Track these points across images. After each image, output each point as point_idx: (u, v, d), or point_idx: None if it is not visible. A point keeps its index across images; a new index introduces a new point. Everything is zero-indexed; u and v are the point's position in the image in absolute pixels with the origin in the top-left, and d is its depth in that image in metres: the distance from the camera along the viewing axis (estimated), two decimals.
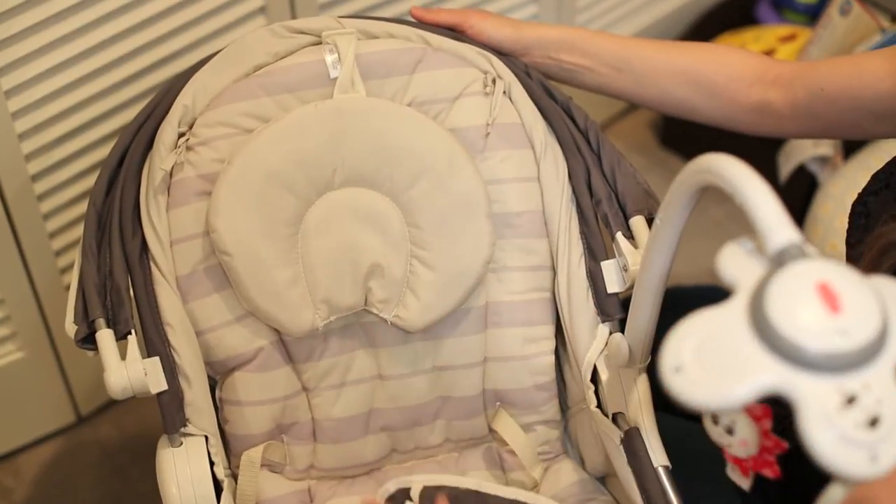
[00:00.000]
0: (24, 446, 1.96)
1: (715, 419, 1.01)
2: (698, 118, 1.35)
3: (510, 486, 1.39)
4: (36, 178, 1.62)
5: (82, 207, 1.70)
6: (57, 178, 1.64)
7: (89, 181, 1.68)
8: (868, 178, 1.19)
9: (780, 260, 0.78)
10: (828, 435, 0.72)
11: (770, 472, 0.96)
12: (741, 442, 1.00)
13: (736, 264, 0.80)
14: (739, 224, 1.71)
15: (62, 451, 1.97)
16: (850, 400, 0.72)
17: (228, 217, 1.23)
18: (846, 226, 1.20)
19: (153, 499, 1.89)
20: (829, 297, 0.74)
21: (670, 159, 2.46)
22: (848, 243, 1.20)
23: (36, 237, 1.68)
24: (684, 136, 2.29)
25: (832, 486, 0.76)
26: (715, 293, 1.61)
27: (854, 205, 1.19)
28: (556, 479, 1.37)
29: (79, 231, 1.72)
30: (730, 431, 1.00)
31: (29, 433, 1.96)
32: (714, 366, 0.75)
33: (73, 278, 1.23)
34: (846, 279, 0.75)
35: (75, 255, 1.72)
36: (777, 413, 0.99)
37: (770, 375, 0.73)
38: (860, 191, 1.19)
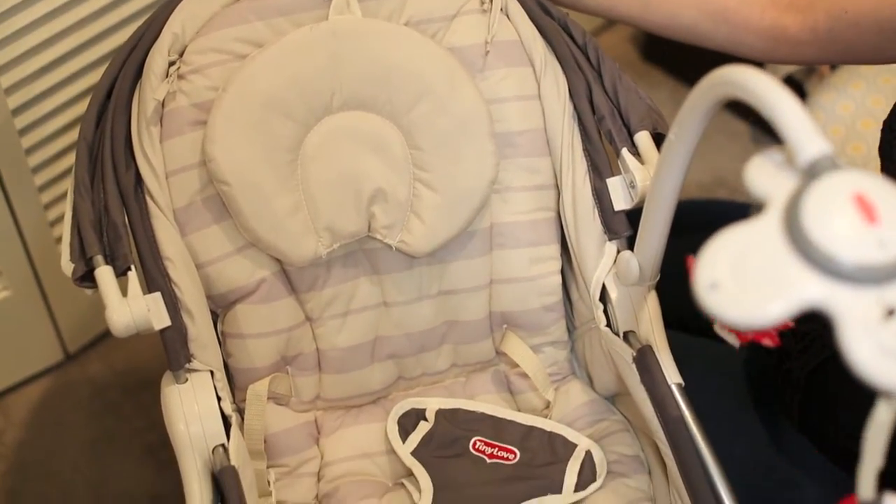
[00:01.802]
0: (13, 387, 1.94)
1: None
2: (708, 44, 1.31)
3: (519, 408, 1.39)
4: (17, 112, 1.58)
5: (65, 141, 1.67)
6: (39, 111, 1.60)
7: (72, 113, 1.64)
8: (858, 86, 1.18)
9: (812, 172, 0.76)
10: (869, 348, 0.70)
11: (769, 342, 0.95)
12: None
13: (765, 177, 0.79)
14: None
15: (51, 390, 1.96)
16: (891, 312, 0.71)
17: (225, 145, 1.20)
18: (839, 134, 1.19)
19: (147, 434, 1.89)
20: (866, 208, 0.72)
21: (653, 73, 2.44)
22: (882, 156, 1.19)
23: (19, 173, 1.64)
24: (667, 50, 2.26)
25: (879, 406, 0.75)
26: (712, 206, 1.61)
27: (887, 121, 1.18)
28: (566, 401, 1.37)
29: (62, 166, 1.69)
30: None
31: (17, 373, 1.94)
32: (751, 282, 0.73)
33: (67, 215, 1.20)
34: (882, 190, 0.74)
35: (59, 191, 1.71)
36: None
37: (809, 289, 0.71)
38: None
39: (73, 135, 1.66)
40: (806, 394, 1.28)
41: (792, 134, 0.78)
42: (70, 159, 1.68)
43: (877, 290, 0.71)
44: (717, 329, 0.99)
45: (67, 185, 1.69)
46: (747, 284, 0.73)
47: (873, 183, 0.74)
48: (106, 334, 2.01)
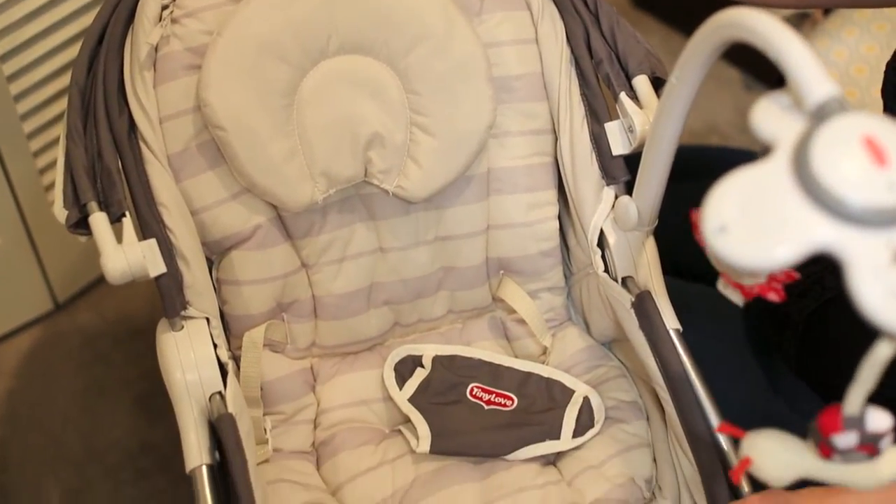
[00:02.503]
0: (2, 337, 1.93)
1: None
2: None
3: (516, 355, 1.39)
4: (5, 58, 1.55)
5: (54, 87, 1.65)
6: (27, 57, 1.58)
7: (62, 58, 1.62)
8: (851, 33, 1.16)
9: (821, 114, 0.75)
10: (878, 291, 0.70)
11: (775, 297, 0.95)
12: (750, 273, 0.99)
13: (772, 120, 0.78)
14: None
15: (41, 339, 1.95)
16: None
17: (220, 90, 1.18)
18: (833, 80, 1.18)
19: (138, 384, 1.89)
20: (876, 151, 0.72)
21: (644, 20, 2.43)
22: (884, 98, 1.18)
23: (7, 120, 1.62)
24: None
25: (880, 344, 0.75)
26: (706, 153, 1.60)
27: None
28: (563, 347, 1.37)
29: (52, 112, 1.67)
30: None
31: (6, 323, 1.93)
32: (760, 225, 0.72)
33: (59, 161, 1.18)
34: (892, 132, 0.73)
35: (49, 138, 1.69)
36: None
37: (818, 232, 0.71)
38: None
39: (63, 81, 1.65)
40: (804, 338, 1.28)
41: (800, 76, 0.77)
42: (60, 106, 1.66)
43: (886, 233, 0.71)
44: (721, 287, 0.99)
45: (57, 132, 1.68)
46: (756, 228, 0.72)
47: (883, 125, 0.73)
48: (95, 283, 2.00)
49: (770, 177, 0.74)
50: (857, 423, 0.79)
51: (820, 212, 0.71)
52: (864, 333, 0.72)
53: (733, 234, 0.73)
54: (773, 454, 0.86)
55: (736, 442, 1.08)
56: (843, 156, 0.72)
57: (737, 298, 0.99)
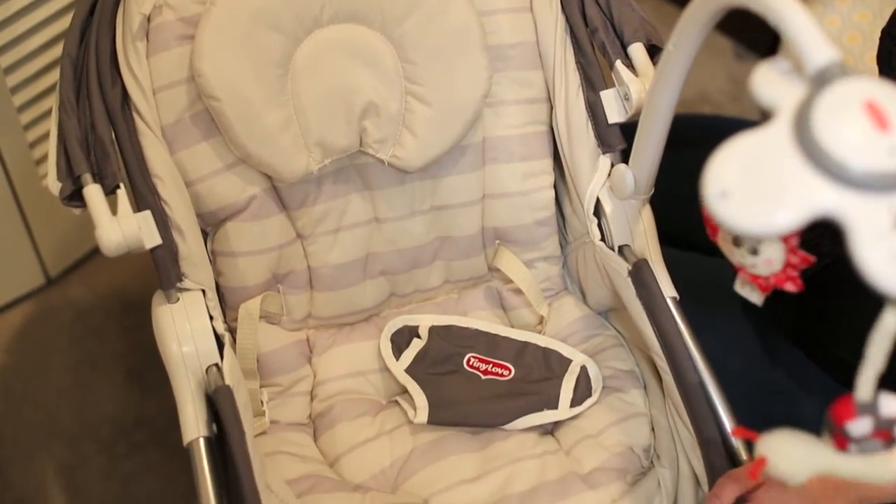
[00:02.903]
0: None
1: (737, 241, 0.99)
2: None
3: (512, 324, 1.39)
4: None
5: (45, 59, 1.64)
6: (17, 28, 1.57)
7: (52, 29, 1.61)
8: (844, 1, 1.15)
9: (821, 79, 0.74)
10: (880, 255, 0.70)
11: (793, 286, 0.94)
12: (766, 261, 0.98)
13: (773, 86, 0.77)
14: None
15: (33, 314, 1.94)
16: None
17: (214, 60, 1.17)
18: None
19: (130, 358, 1.88)
20: (878, 116, 0.71)
21: None
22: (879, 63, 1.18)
23: None
24: None
25: (887, 312, 0.75)
26: (698, 121, 1.59)
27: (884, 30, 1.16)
28: (560, 316, 1.37)
29: (43, 84, 1.66)
30: (754, 252, 0.98)
31: None
32: (762, 190, 0.72)
33: (52, 134, 1.17)
34: (893, 97, 0.73)
35: (40, 110, 1.68)
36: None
37: (820, 197, 0.70)
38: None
39: (54, 53, 1.63)
40: (799, 305, 1.28)
41: (801, 41, 0.76)
42: (51, 78, 1.65)
43: (888, 198, 0.71)
44: (738, 288, 0.99)
45: (48, 104, 1.67)
46: (757, 193, 0.72)
47: (884, 90, 0.73)
48: (87, 257, 1.99)
49: (771, 142, 0.74)
50: (871, 408, 0.78)
51: (821, 177, 0.71)
52: (864, 300, 0.72)
53: (734, 200, 0.72)
54: (789, 452, 0.85)
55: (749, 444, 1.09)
56: (845, 121, 0.72)
57: (756, 298, 0.98)
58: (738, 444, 1.12)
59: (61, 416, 1.82)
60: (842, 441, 0.81)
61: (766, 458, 0.85)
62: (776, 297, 1.31)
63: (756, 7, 0.81)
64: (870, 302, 0.73)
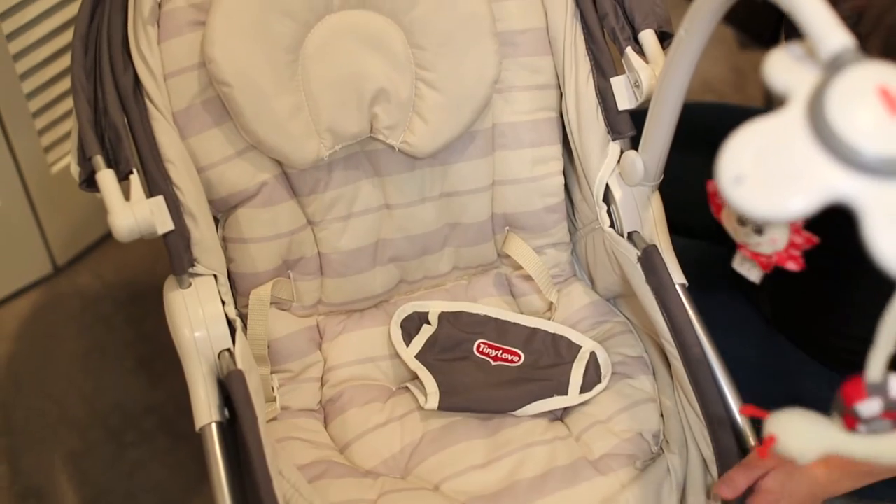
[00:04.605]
0: (2, 300, 1.93)
1: (742, 220, 1.00)
2: None
3: (522, 311, 1.39)
4: (4, 17, 1.54)
5: (56, 44, 1.64)
6: (26, 14, 1.57)
7: (61, 15, 1.61)
8: None
9: (835, 65, 0.75)
10: (894, 241, 0.70)
11: (794, 265, 0.95)
12: (770, 240, 0.99)
13: (787, 71, 0.77)
14: None
15: (41, 303, 1.95)
16: None
17: (226, 46, 1.17)
18: None
19: (139, 346, 1.89)
20: (891, 101, 0.71)
21: None
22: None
23: (6, 79, 1.61)
24: None
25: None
26: (697, 108, 1.59)
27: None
28: (569, 302, 1.37)
29: (52, 71, 1.66)
30: (758, 231, 0.99)
31: (6, 287, 1.92)
32: (776, 175, 0.72)
33: (74, 122, 1.17)
34: None
35: (50, 97, 1.68)
36: None
37: (834, 183, 0.71)
38: None
39: (63, 39, 1.64)
40: (775, 296, 1.29)
41: (814, 27, 0.76)
42: (60, 65, 1.65)
43: None
44: (737, 266, 0.99)
45: (57, 91, 1.67)
46: (771, 178, 0.72)
47: None
48: (95, 246, 1.99)
49: (785, 128, 0.74)
50: (881, 389, 0.79)
51: (835, 162, 0.71)
52: (836, 285, 0.73)
53: (749, 185, 0.73)
54: (799, 431, 0.86)
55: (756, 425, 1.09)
56: (859, 106, 0.72)
57: (754, 274, 0.99)
58: (744, 424, 1.12)
59: (70, 404, 1.83)
60: (851, 421, 0.81)
61: (775, 436, 0.86)
62: (754, 289, 1.32)
63: None
64: (843, 288, 0.73)
